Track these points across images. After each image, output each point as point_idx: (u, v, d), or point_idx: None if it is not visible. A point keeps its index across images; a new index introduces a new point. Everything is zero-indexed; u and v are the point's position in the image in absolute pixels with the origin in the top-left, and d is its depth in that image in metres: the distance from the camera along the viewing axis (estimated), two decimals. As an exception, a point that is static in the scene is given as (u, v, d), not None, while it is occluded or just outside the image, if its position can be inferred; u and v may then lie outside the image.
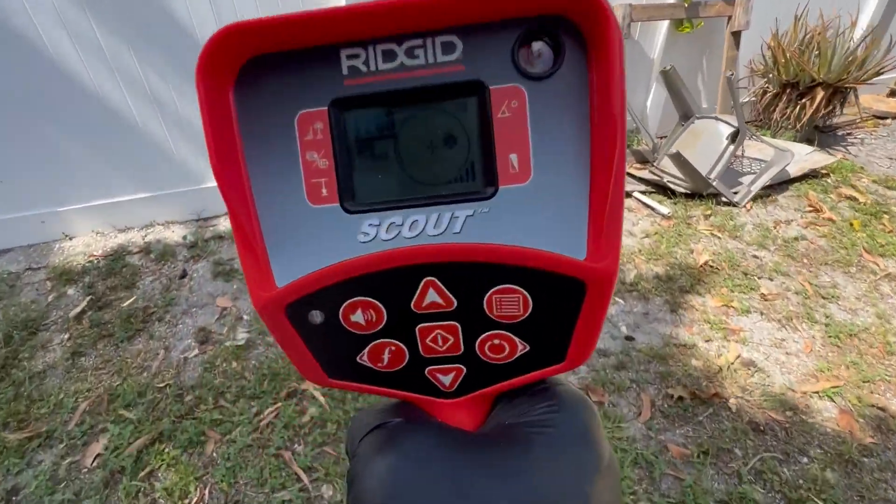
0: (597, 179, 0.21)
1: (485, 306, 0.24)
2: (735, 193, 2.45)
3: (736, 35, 2.68)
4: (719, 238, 2.18)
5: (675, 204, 2.44)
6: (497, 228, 0.23)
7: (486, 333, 0.25)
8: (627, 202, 2.36)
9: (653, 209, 2.42)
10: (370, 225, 0.23)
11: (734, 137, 2.32)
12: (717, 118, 2.46)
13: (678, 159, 2.22)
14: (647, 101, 3.03)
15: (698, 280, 1.93)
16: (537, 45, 0.21)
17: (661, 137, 2.99)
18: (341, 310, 0.24)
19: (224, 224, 2.33)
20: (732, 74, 2.32)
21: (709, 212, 2.35)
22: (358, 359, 0.26)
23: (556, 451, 0.23)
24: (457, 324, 0.25)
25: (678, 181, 2.44)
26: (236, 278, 1.97)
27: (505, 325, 0.25)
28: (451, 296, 0.24)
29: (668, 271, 1.98)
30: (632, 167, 2.77)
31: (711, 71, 3.03)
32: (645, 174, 2.60)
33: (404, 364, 0.26)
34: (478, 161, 0.23)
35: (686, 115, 2.56)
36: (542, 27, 0.21)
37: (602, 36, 0.20)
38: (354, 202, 0.23)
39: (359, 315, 0.24)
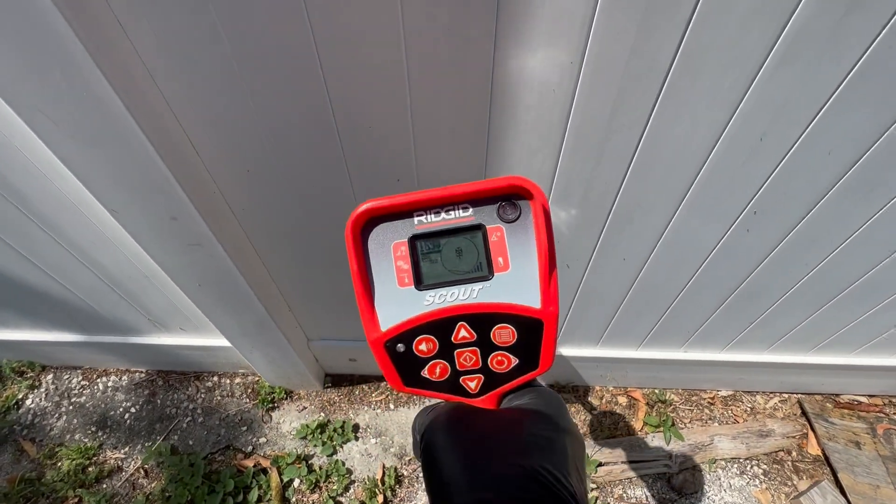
0: (542, 268, 0.43)
1: (492, 337, 0.45)
2: None
3: None
4: None
5: None
6: (495, 294, 0.44)
7: (494, 353, 0.45)
8: None
9: None
10: (430, 296, 0.45)
11: None
12: None
13: None
14: None
15: None
16: (507, 207, 0.44)
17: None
18: (414, 343, 0.45)
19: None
20: None
21: None
22: (421, 373, 0.46)
23: (537, 415, 0.42)
24: (477, 349, 0.45)
25: None
26: None
27: (504, 348, 0.45)
28: (473, 332, 0.45)
29: None
30: None
31: None
32: None
33: (448, 376, 0.46)
34: (483, 261, 0.45)
35: None
36: (510, 198, 0.44)
37: (534, 202, 0.43)
38: (422, 285, 0.45)
39: (423, 345, 0.45)
